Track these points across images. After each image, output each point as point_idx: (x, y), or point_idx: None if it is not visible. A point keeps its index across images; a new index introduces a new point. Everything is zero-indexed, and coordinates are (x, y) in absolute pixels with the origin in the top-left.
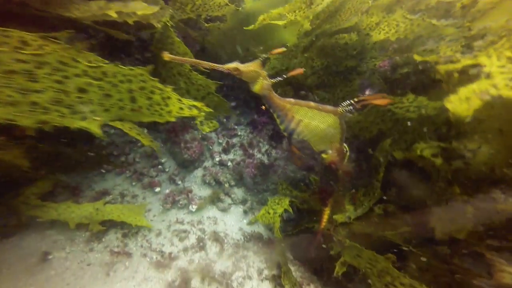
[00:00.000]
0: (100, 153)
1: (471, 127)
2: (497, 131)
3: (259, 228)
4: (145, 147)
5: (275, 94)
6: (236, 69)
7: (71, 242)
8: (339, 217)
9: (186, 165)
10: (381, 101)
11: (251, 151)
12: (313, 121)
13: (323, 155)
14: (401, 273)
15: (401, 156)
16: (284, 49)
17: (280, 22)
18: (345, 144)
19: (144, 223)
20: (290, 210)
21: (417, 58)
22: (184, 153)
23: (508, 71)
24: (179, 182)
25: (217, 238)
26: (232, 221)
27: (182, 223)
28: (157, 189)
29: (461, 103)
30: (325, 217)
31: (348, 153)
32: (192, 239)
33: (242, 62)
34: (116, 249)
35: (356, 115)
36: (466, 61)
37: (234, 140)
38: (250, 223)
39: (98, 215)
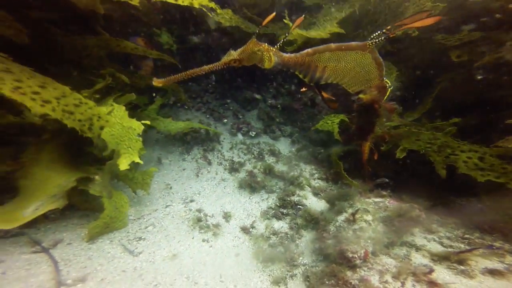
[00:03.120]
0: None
1: None
2: None
3: (306, 153)
4: (215, 92)
5: (287, 54)
6: (235, 60)
7: (170, 154)
8: (390, 124)
9: (245, 105)
10: (426, 20)
11: (298, 95)
12: (339, 63)
13: (360, 96)
14: (461, 142)
15: None
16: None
17: None
18: (386, 79)
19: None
20: (346, 119)
21: None
22: (245, 93)
23: None
24: (241, 117)
25: (273, 153)
26: (283, 146)
27: (245, 143)
28: (225, 121)
29: None
30: (366, 150)
31: (391, 88)
32: (254, 153)
33: None
34: (200, 159)
35: None
36: None
37: (283, 90)
38: (298, 149)
39: (187, 126)
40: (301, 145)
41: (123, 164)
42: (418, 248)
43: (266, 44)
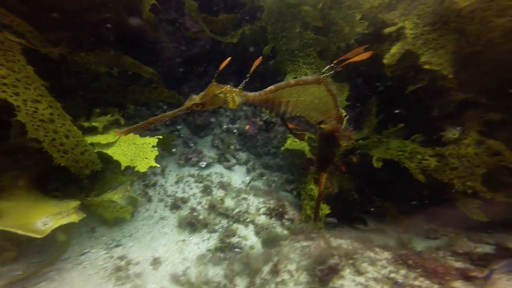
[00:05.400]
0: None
1: None
2: None
3: (259, 183)
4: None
5: (251, 93)
6: (196, 104)
7: None
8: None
9: (198, 132)
10: (362, 55)
11: (253, 119)
12: (300, 97)
13: (322, 126)
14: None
15: None
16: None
17: None
18: (341, 109)
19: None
20: (314, 137)
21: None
22: (197, 119)
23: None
24: (192, 145)
25: (222, 185)
26: (236, 176)
27: (193, 176)
28: (174, 150)
29: (391, 57)
30: (323, 181)
31: (346, 117)
32: (201, 188)
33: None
34: (139, 196)
35: None
36: (399, 24)
37: (240, 113)
38: (253, 179)
39: None
40: (256, 174)
41: (142, 168)
42: None
43: (229, 85)
